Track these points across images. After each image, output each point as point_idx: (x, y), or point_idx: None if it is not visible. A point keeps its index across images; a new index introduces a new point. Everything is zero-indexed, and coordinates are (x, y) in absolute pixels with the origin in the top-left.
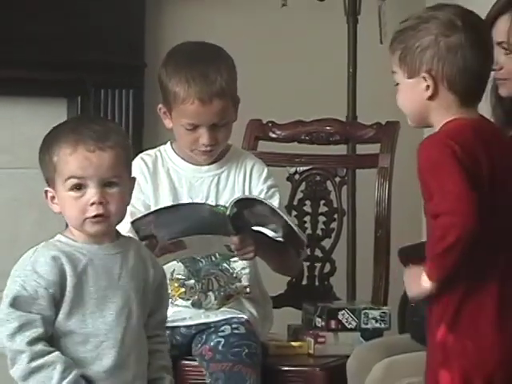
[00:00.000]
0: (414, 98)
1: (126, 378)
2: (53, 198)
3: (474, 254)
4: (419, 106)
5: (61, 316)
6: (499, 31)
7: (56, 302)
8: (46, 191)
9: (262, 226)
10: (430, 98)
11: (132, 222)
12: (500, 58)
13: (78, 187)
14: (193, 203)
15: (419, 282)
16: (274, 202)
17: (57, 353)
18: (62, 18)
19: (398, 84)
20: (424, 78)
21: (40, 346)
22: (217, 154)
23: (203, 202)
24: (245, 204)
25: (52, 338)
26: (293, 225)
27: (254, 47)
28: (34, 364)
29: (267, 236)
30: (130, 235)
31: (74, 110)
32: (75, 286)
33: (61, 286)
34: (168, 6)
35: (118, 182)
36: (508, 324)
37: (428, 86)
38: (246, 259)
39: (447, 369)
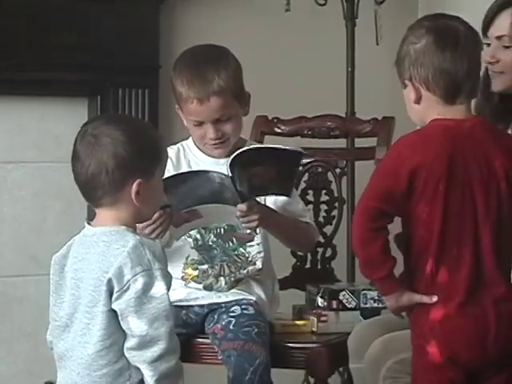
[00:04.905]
0: (409, 105)
1: None
2: None
3: (444, 246)
4: (413, 111)
5: None
6: (500, 25)
7: None
8: None
9: (266, 190)
10: (417, 101)
11: None
12: (497, 52)
13: None
14: (199, 170)
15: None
16: None
17: None
18: (86, 26)
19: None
20: (408, 85)
21: None
22: (229, 147)
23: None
24: (242, 163)
25: None
26: (282, 146)
27: (261, 49)
28: (180, 365)
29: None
30: None
31: (94, 108)
32: None
33: None
34: (179, 12)
35: None
36: (471, 309)
37: (413, 92)
38: (249, 228)
39: (418, 346)
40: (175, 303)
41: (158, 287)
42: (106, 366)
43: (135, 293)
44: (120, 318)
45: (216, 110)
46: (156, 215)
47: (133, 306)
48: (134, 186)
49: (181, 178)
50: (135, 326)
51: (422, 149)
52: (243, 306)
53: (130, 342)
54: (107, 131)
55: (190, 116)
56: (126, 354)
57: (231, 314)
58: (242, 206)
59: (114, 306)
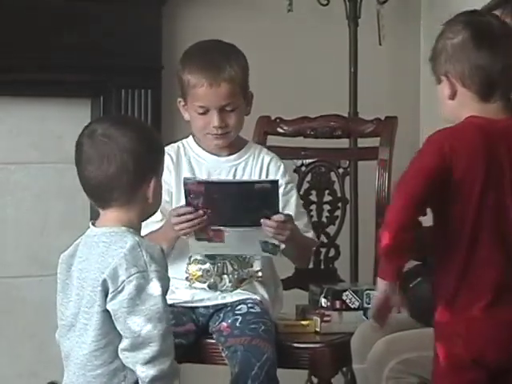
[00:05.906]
0: (443, 101)
1: None
2: None
3: (474, 246)
4: (447, 107)
5: None
6: None
7: None
8: None
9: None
10: (452, 97)
11: (186, 179)
12: None
13: None
14: (242, 182)
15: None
16: (291, 198)
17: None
18: (89, 27)
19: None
20: (443, 80)
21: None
22: (229, 141)
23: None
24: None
25: None
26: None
27: (264, 49)
28: (175, 366)
29: None
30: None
31: (97, 109)
32: None
33: None
34: (182, 13)
35: None
36: (498, 310)
37: (448, 87)
38: (277, 238)
39: (441, 347)
40: (180, 304)
41: (153, 289)
42: (100, 366)
43: (129, 294)
44: (114, 319)
45: (224, 96)
46: (200, 212)
47: (126, 306)
48: (152, 184)
49: (221, 186)
50: (128, 326)
51: (458, 145)
52: (249, 305)
53: (124, 343)
54: (120, 132)
55: (196, 102)
56: (120, 355)
57: (237, 312)
58: (280, 216)
59: (109, 307)
